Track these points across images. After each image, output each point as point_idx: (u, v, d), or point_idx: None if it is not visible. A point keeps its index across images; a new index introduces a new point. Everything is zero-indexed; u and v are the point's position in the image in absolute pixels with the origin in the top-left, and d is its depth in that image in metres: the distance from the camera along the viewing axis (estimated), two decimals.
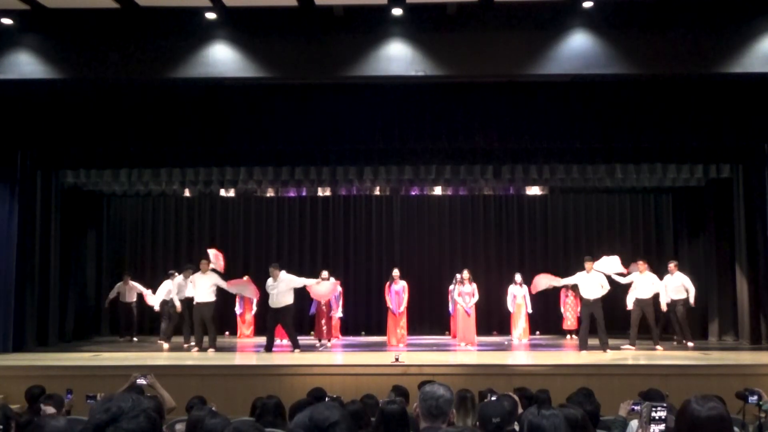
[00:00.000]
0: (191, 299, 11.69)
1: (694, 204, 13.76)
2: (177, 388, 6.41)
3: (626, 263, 11.71)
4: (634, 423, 4.31)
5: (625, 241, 14.94)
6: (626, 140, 10.83)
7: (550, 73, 9.32)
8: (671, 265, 11.92)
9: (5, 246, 10.79)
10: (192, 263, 12.38)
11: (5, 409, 4.36)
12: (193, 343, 11.60)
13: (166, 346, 12.02)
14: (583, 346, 10.90)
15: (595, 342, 10.89)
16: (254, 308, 13.53)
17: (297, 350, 10.84)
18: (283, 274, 11.24)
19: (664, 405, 3.53)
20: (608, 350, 10.65)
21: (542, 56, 9.18)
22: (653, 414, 3.45)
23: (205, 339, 11.33)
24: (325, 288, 12.05)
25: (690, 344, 11.52)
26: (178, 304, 12.15)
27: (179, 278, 12.39)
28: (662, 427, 3.45)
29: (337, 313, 13.02)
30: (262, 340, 11.52)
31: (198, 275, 11.56)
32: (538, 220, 15.29)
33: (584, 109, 10.49)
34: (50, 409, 4.88)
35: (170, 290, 12.41)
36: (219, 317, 14.25)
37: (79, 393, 5.84)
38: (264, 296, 11.74)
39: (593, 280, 11.13)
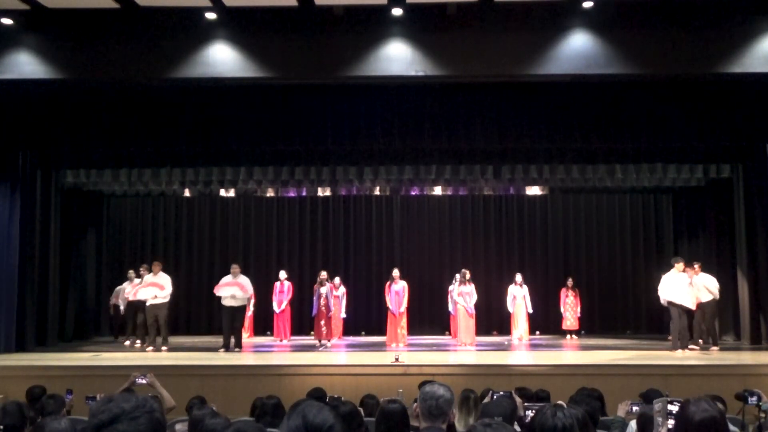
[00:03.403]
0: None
1: (694, 204, 13.76)
2: (177, 388, 6.41)
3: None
4: (633, 423, 4.30)
5: (625, 241, 14.96)
6: (626, 140, 10.83)
7: (550, 73, 9.30)
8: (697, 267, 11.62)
9: (7, 247, 10.78)
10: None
11: (20, 406, 4.26)
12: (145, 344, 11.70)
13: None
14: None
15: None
16: (251, 308, 13.52)
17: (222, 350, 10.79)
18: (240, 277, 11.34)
19: (680, 399, 3.51)
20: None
21: (542, 56, 9.17)
22: (669, 408, 3.41)
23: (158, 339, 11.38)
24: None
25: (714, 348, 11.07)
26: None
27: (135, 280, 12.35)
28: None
29: (341, 313, 13.02)
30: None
31: (150, 276, 11.61)
32: (538, 220, 15.29)
33: (584, 109, 10.49)
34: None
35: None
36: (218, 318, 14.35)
37: (79, 393, 5.86)
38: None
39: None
